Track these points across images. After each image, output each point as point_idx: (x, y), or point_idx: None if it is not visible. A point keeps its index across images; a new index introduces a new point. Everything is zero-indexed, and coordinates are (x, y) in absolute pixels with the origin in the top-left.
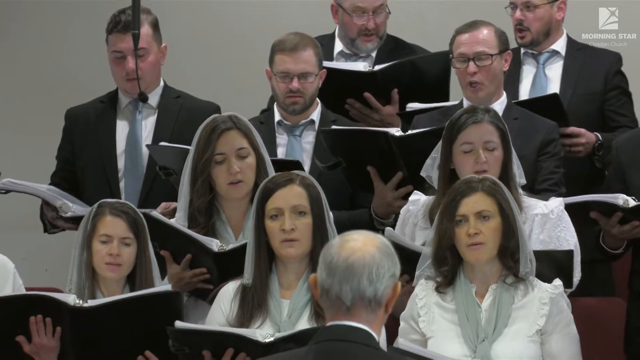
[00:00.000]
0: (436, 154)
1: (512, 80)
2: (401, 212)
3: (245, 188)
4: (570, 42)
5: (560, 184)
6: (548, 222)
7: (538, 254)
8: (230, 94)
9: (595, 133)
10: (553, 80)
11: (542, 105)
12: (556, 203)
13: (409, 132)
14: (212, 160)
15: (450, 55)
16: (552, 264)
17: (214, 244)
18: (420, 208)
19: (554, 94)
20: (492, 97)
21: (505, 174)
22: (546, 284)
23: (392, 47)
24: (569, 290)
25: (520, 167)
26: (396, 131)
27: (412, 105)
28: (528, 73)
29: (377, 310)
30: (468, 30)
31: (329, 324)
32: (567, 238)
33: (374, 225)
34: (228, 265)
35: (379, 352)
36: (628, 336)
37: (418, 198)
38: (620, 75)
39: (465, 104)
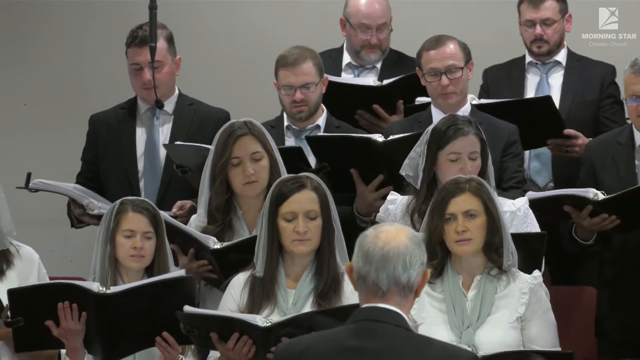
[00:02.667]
0: (415, 154)
1: (517, 88)
2: (380, 210)
3: (259, 187)
4: (570, 53)
5: (523, 181)
6: (516, 219)
7: (512, 236)
8: (239, 101)
9: (590, 139)
10: (555, 88)
11: (537, 106)
12: (522, 201)
13: (390, 137)
14: (229, 163)
15: (419, 69)
16: (524, 246)
17: (211, 242)
18: (399, 206)
19: (547, 96)
20: (460, 104)
21: (483, 179)
22: (526, 275)
23: (396, 59)
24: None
25: (493, 171)
26: (379, 137)
27: (420, 99)
28: (532, 81)
29: (409, 295)
30: (435, 46)
31: (364, 305)
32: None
33: (357, 222)
34: (226, 258)
35: (409, 332)
36: (598, 321)
37: (395, 197)
38: (614, 85)
39: (434, 111)
